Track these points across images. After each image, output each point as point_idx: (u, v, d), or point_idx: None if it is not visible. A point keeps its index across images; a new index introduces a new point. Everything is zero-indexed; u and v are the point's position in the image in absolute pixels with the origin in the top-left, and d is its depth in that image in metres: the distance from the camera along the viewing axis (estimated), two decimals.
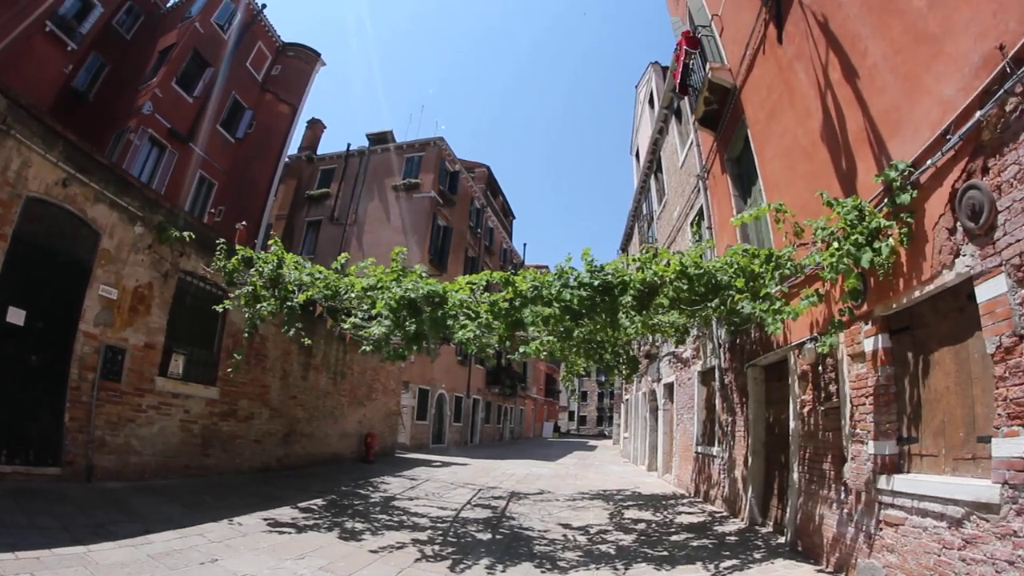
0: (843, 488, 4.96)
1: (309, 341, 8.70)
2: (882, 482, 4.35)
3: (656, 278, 5.68)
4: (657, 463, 14.35)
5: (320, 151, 28.64)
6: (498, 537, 6.51)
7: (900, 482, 4.15)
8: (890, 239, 4.30)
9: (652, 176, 16.39)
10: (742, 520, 7.58)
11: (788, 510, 6.13)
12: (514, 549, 5.90)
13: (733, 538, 6.73)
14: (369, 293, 7.20)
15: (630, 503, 9.90)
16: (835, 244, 4.53)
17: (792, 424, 6.16)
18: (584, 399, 66.51)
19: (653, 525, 7.71)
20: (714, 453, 9.20)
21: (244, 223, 13.74)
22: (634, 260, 5.72)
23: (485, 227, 31.33)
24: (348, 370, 14.68)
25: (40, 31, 14.57)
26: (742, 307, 4.95)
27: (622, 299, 5.66)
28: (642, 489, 12.00)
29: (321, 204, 25.98)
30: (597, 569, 5.23)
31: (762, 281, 5.09)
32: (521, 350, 5.93)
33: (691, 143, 11.12)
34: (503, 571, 4.95)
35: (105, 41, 17.32)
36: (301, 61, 23.30)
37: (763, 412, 7.56)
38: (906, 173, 4.21)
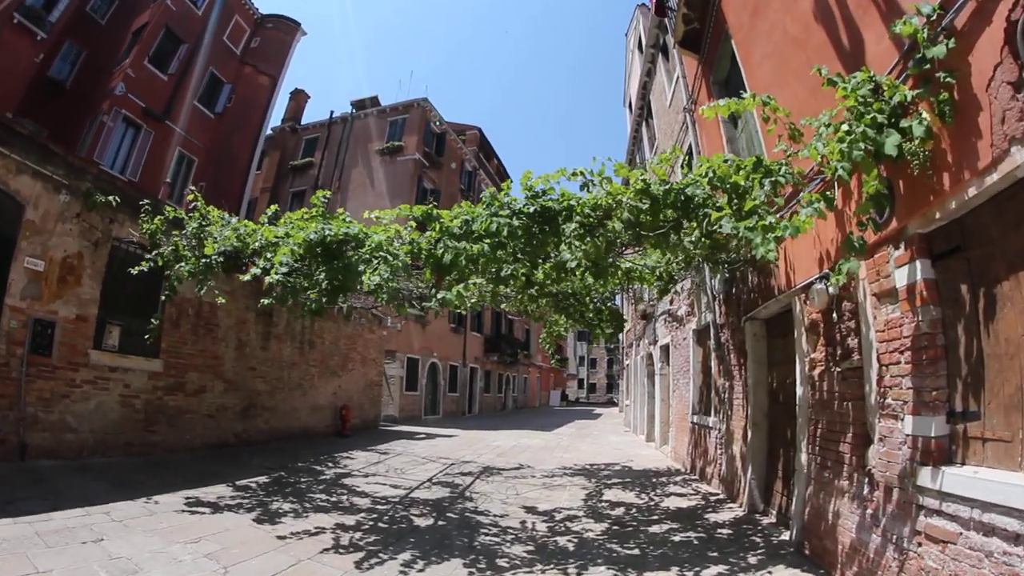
0: (867, 479, 3.60)
1: (223, 299, 7.53)
2: (924, 477, 2.97)
3: (611, 200, 4.25)
4: (655, 433, 13.11)
5: (305, 121, 27.53)
6: (440, 523, 5.71)
7: (952, 479, 2.78)
8: (923, 116, 2.84)
9: (643, 124, 15.00)
10: (740, 506, 6.28)
11: (795, 499, 4.79)
12: (451, 540, 5.08)
13: (726, 531, 5.43)
14: (277, 241, 5.98)
15: (615, 481, 8.66)
16: (844, 127, 3.06)
17: (799, 390, 4.78)
18: (593, 366, 65.50)
19: (633, 511, 6.47)
20: (710, 424, 7.87)
21: (199, 185, 12.40)
22: (583, 179, 4.26)
23: (478, 189, 29.83)
24: (318, 339, 13.64)
25: (8, 23, 14.31)
26: (720, 227, 3.51)
27: (565, 227, 4.26)
28: (634, 463, 10.77)
29: (305, 174, 24.88)
30: (542, 573, 4.20)
31: (748, 197, 3.63)
32: (440, 296, 4.57)
33: (677, 77, 9.75)
34: (420, 571, 4.18)
35: (80, 28, 16.89)
36: (280, 32, 22.64)
37: (765, 375, 6.17)
38: (935, 17, 2.78)
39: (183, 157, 19.07)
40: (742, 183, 3.87)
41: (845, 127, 3.05)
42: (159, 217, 6.72)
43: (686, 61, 8.80)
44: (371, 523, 5.53)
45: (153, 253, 6.70)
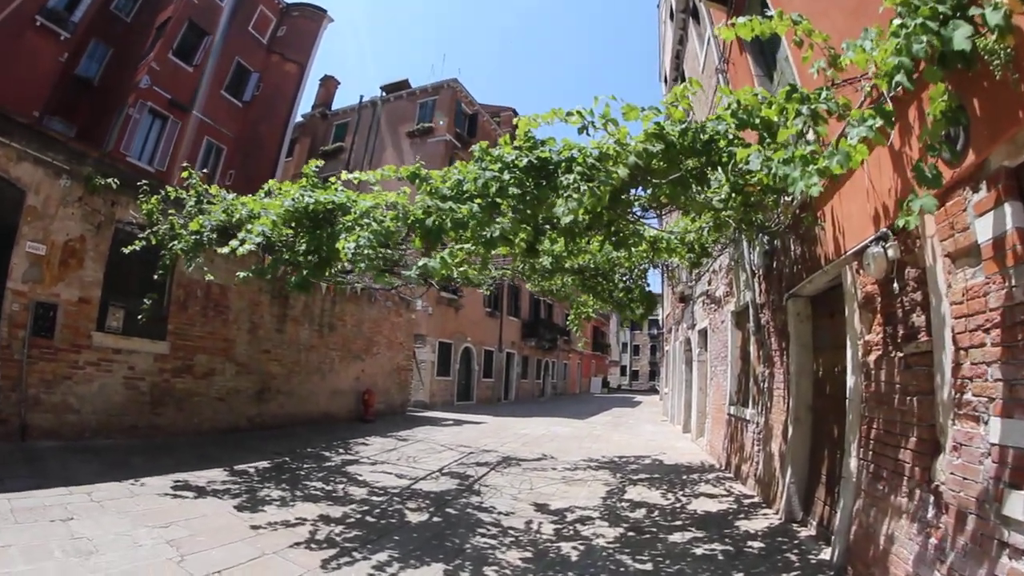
0: (932, 499, 2.77)
1: (212, 276, 7.20)
2: (1014, 504, 2.14)
3: (617, 147, 3.48)
4: (691, 424, 12.20)
5: (335, 107, 27.67)
6: (435, 520, 5.25)
7: None
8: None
9: None
10: (776, 512, 5.43)
11: (839, 511, 3.95)
12: (440, 540, 4.61)
13: (757, 544, 4.63)
14: (260, 213, 5.56)
15: (641, 476, 7.91)
16: (896, 23, 2.21)
17: (851, 380, 3.92)
18: (636, 353, 63.91)
19: (655, 513, 5.75)
20: (747, 417, 6.99)
21: (228, 173, 12.22)
22: (583, 121, 3.49)
23: None
24: (339, 322, 13.37)
25: (30, 26, 14.75)
26: (748, 165, 2.72)
27: (563, 179, 3.53)
28: (666, 456, 9.95)
29: (336, 159, 24.78)
30: None
31: (784, 128, 2.80)
32: (421, 263, 3.94)
33: (708, 38, 8.79)
34: None
35: (105, 27, 17.30)
36: (307, 19, 22.70)
37: (809, 362, 5.27)
38: None
39: (211, 146, 19.52)
40: (775, 118, 3.04)
41: (898, 21, 2.20)
42: (156, 196, 6.54)
43: (716, 16, 7.86)
44: (359, 516, 5.14)
45: (146, 232, 6.50)
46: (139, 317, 7.15)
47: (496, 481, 7.32)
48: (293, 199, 5.24)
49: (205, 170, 17.21)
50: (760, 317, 6.56)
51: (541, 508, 5.92)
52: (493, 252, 5.54)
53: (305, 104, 24.74)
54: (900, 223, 2.41)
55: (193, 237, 6.02)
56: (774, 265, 5.98)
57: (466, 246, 3.96)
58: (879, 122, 2.27)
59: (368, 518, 5.11)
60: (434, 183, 4.29)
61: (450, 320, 20.93)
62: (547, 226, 4.55)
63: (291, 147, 23.24)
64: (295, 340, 11.71)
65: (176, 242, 6.17)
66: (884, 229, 3.33)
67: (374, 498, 5.89)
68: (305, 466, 7.39)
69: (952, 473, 2.63)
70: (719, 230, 4.73)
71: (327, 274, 7.38)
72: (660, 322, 23.58)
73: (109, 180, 7.48)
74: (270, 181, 6.91)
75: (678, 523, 5.38)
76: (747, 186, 3.87)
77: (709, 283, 10.08)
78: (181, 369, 8.77)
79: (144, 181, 6.97)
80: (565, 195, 3.37)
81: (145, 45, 17.74)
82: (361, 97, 25.91)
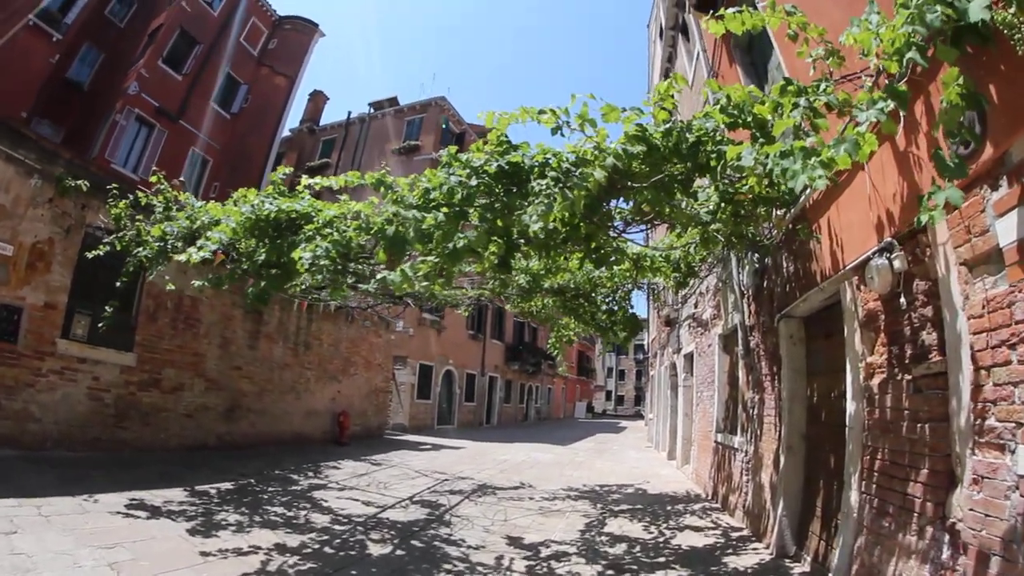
0: (948, 537, 2.45)
1: (172, 286, 6.89)
2: None
3: (596, 152, 3.21)
4: (676, 451, 11.82)
5: (324, 122, 27.52)
6: (398, 553, 4.91)
7: None
8: None
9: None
10: (766, 547, 5.07)
11: (838, 549, 3.61)
12: None
13: None
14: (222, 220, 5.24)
15: (623, 507, 7.50)
16: None
17: (851, 407, 3.61)
18: (622, 378, 63.46)
19: (636, 549, 5.35)
20: (735, 445, 6.66)
21: (213, 185, 11.69)
22: (557, 120, 3.22)
23: None
24: (315, 340, 12.94)
25: (24, 25, 14.63)
26: (740, 161, 2.44)
27: (535, 185, 3.24)
28: (651, 485, 9.55)
29: (322, 175, 24.36)
30: None
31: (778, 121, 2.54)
32: (380, 276, 3.60)
33: (697, 53, 8.71)
34: None
35: (98, 32, 17.21)
36: (298, 33, 22.71)
37: (803, 388, 4.97)
38: None
39: (197, 157, 19.28)
40: (768, 116, 2.79)
41: None
42: (124, 201, 6.25)
43: (704, 33, 7.75)
44: (317, 547, 4.78)
45: (111, 236, 6.26)
46: (99, 325, 6.93)
47: (469, 511, 6.89)
48: (252, 206, 4.96)
49: (182, 179, 16.92)
50: (749, 340, 6.29)
51: (514, 542, 5.51)
52: (464, 267, 5.25)
53: (293, 119, 24.60)
54: (922, 219, 2.11)
55: (157, 244, 5.72)
56: (765, 285, 5.73)
57: (429, 258, 3.64)
58: (891, 105, 2.01)
59: (327, 549, 4.76)
60: (400, 191, 4.01)
61: (431, 342, 20.47)
62: (521, 240, 4.26)
63: (278, 161, 22.87)
64: (268, 357, 11.33)
65: (141, 249, 5.86)
66: (889, 239, 3.08)
67: (336, 527, 5.53)
68: (270, 489, 7.03)
69: (972, 509, 2.32)
70: (707, 246, 4.46)
71: (289, 287, 7.09)
72: (646, 347, 23.34)
73: (79, 182, 7.22)
74: (240, 190, 6.60)
75: (661, 559, 4.99)
76: (737, 195, 3.62)
77: (696, 306, 9.84)
78: (148, 383, 8.45)
79: (114, 185, 6.65)
80: (536, 201, 3.07)
81: (136, 51, 17.59)
82: (349, 113, 25.76)
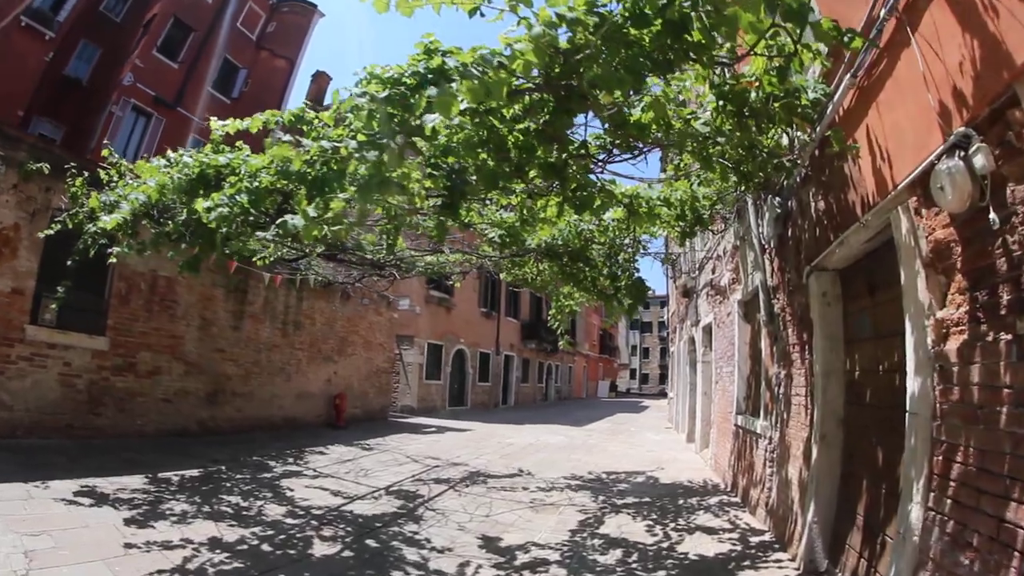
0: None
1: (114, 259, 6.12)
2: None
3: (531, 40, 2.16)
4: (695, 434, 10.78)
5: (328, 102, 26.27)
6: (344, 555, 4.30)
7: None
8: None
9: None
10: (792, 559, 4.05)
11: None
12: None
13: None
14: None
15: (629, 500, 6.56)
16: None
17: (914, 384, 2.53)
18: (646, 356, 62.00)
19: (633, 557, 4.44)
20: (758, 430, 5.61)
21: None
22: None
23: None
24: (306, 320, 12.24)
25: (15, 26, 14.62)
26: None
27: (451, 86, 2.21)
28: (665, 472, 8.56)
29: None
30: None
31: None
32: (280, 222, 2.67)
33: None
34: None
35: (95, 27, 17.13)
36: (297, 15, 22.41)
37: (840, 359, 3.87)
38: None
39: (198, 143, 18.54)
40: None
41: None
42: (80, 178, 5.91)
43: None
44: (255, 543, 4.32)
45: (63, 215, 5.80)
46: (52, 307, 6.73)
47: (448, 504, 6.09)
48: (169, 160, 4.19)
49: (145, 155, 16.64)
50: (773, 303, 5.19)
51: (489, 544, 4.71)
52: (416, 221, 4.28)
53: (296, 100, 23.91)
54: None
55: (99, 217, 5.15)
56: (789, 233, 4.62)
57: (342, 195, 2.71)
58: None
59: (265, 546, 4.27)
60: (324, 120, 3.13)
61: (441, 320, 19.65)
62: (475, 177, 3.27)
63: None
64: (254, 338, 10.73)
65: (91, 225, 5.25)
66: (962, 129, 2.00)
67: (288, 520, 5.02)
68: (237, 476, 6.61)
69: None
70: (710, 169, 3.37)
71: (256, 259, 6.34)
72: (666, 322, 22.24)
73: (41, 165, 6.94)
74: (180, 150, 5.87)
75: (661, 573, 4.03)
76: (739, 85, 2.55)
77: (713, 271, 8.70)
78: (122, 367, 8.10)
79: (72, 163, 6.26)
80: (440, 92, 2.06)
81: (133, 43, 17.41)
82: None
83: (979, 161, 1.91)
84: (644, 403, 35.26)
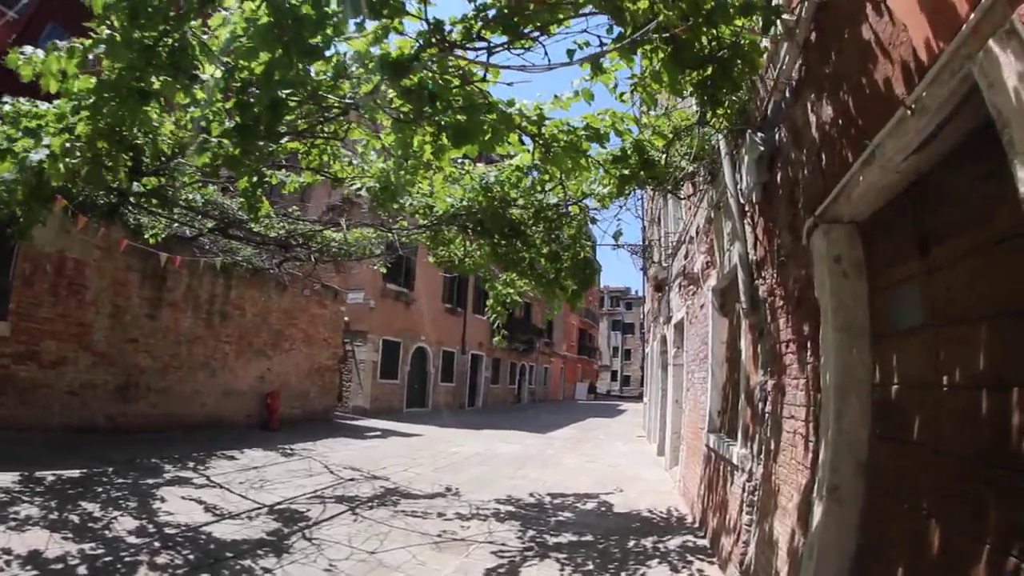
0: None
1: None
2: None
3: None
4: (665, 446, 9.38)
5: None
6: None
7: None
8: None
9: None
10: None
11: None
12: None
13: None
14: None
15: (565, 537, 5.13)
16: None
17: None
18: (628, 357, 60.73)
19: None
20: (733, 459, 4.18)
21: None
22: None
23: None
24: (234, 310, 10.80)
25: None
26: None
27: None
28: (622, 497, 7.15)
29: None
30: None
31: None
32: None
33: None
34: None
35: (65, 11, 15.16)
36: None
37: (864, 365, 2.41)
38: None
39: None
40: None
41: None
42: None
43: None
44: (75, 563, 3.59)
45: None
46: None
47: (334, 532, 4.79)
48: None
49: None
50: (757, 285, 3.78)
51: None
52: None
53: None
54: None
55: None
56: (779, 179, 3.20)
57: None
58: None
59: (82, 569, 3.53)
60: None
61: (399, 316, 18.10)
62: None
63: None
64: (173, 329, 9.46)
65: None
66: None
67: (131, 539, 4.18)
68: (118, 481, 5.87)
69: None
70: (628, 56, 1.93)
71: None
72: (644, 320, 20.93)
73: None
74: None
75: None
76: None
77: (686, 256, 7.31)
78: (25, 355, 7.38)
79: None
80: None
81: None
82: None
83: None
84: (622, 407, 34.00)
